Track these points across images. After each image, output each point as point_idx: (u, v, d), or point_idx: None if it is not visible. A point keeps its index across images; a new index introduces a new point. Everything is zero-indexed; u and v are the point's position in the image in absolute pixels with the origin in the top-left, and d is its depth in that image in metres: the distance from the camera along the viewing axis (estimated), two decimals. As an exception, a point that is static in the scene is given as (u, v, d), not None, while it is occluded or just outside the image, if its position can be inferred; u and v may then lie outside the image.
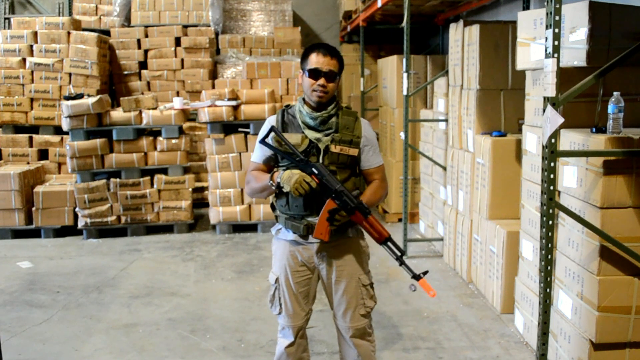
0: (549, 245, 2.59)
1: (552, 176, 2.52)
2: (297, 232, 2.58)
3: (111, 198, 6.34)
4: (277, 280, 2.68)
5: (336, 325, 2.76)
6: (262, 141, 2.54)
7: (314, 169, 2.43)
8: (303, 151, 2.50)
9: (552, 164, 2.51)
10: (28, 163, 7.32)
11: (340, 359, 2.84)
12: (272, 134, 2.54)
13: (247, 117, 6.42)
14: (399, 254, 2.45)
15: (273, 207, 2.69)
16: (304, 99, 2.59)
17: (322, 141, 2.52)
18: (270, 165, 2.66)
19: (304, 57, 2.55)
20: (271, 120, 2.63)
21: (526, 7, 5.07)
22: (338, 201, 2.40)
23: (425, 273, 2.45)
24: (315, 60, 2.49)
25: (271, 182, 2.52)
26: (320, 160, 2.51)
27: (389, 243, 2.45)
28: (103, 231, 6.41)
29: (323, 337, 3.77)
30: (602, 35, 2.97)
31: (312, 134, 2.54)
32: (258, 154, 2.67)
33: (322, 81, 2.48)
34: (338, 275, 2.63)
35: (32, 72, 7.49)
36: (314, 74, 2.49)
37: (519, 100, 4.15)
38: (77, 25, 8.07)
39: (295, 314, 2.68)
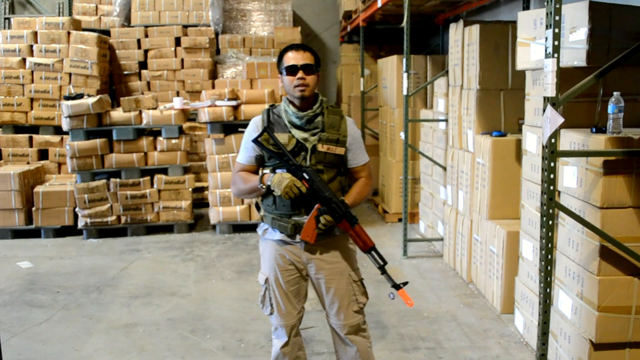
0: (549, 245, 2.59)
1: (552, 176, 2.52)
2: (284, 232, 2.59)
3: (111, 198, 6.34)
4: (266, 280, 2.69)
5: (330, 325, 2.76)
6: (255, 140, 2.55)
7: (305, 174, 2.45)
8: (291, 151, 2.51)
9: (552, 164, 2.51)
10: (28, 163, 7.32)
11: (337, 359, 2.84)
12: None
13: (247, 117, 6.41)
14: (381, 263, 2.50)
15: (258, 207, 2.70)
16: (288, 99, 2.60)
17: (309, 141, 2.54)
18: (256, 166, 2.67)
19: (280, 60, 2.58)
20: (256, 120, 2.64)
21: (526, 7, 5.07)
22: (326, 208, 2.44)
23: (405, 284, 2.50)
24: (290, 57, 2.53)
25: (261, 184, 2.53)
26: (308, 160, 2.52)
27: (373, 252, 2.50)
28: (103, 231, 6.41)
29: (323, 337, 3.77)
30: (602, 35, 2.97)
31: (299, 134, 2.55)
32: (244, 154, 2.68)
33: (300, 74, 2.50)
34: (328, 274, 2.64)
35: (32, 72, 7.49)
36: (291, 70, 2.51)
37: (519, 100, 4.15)
38: (77, 25, 8.07)
39: (287, 313, 2.69)
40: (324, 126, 2.56)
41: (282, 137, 2.53)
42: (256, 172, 2.66)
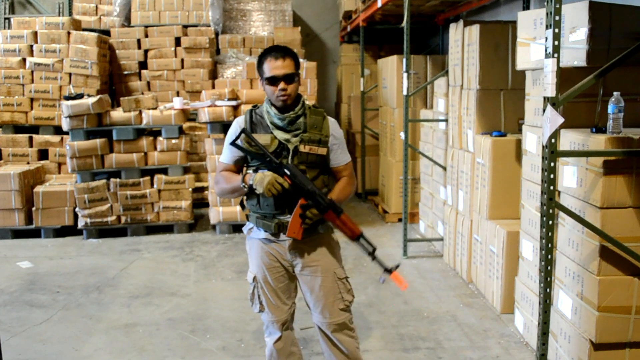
0: (549, 245, 2.59)
1: (552, 176, 2.52)
2: (268, 231, 2.62)
3: (111, 198, 6.34)
4: (254, 278, 2.71)
5: (317, 325, 2.76)
6: (233, 143, 2.56)
7: (286, 170, 2.46)
8: (273, 152, 2.52)
9: (552, 164, 2.51)
10: (28, 163, 7.32)
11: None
12: (243, 135, 2.57)
13: (247, 117, 6.41)
14: (371, 249, 2.47)
15: (242, 206, 2.72)
16: (270, 101, 2.61)
17: (291, 142, 2.56)
18: (239, 166, 2.69)
19: (259, 65, 2.57)
20: (239, 121, 2.66)
21: (526, 7, 5.07)
22: (310, 201, 2.45)
23: (397, 267, 2.46)
24: (270, 66, 2.51)
25: (243, 184, 2.54)
26: (290, 161, 2.54)
27: (361, 240, 2.48)
28: (103, 231, 6.41)
29: (323, 337, 3.76)
30: (602, 35, 2.97)
31: (281, 135, 2.56)
32: (227, 154, 2.69)
33: (282, 85, 2.50)
34: (313, 272, 2.65)
35: (32, 72, 7.48)
36: (272, 81, 2.51)
37: (519, 100, 4.15)
38: (77, 25, 8.07)
39: (278, 309, 2.70)
40: (306, 127, 2.58)
41: (264, 138, 2.55)
42: (239, 172, 2.68)
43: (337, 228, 2.54)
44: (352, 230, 2.47)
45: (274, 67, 2.50)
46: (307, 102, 2.65)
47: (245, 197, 2.68)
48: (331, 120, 2.67)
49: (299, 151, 2.55)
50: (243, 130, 2.54)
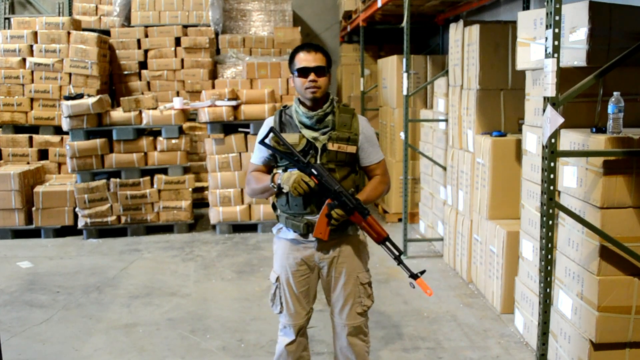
0: (549, 245, 2.59)
1: (552, 176, 2.52)
2: (297, 231, 2.60)
3: (111, 198, 6.34)
4: (277, 279, 2.70)
5: (332, 323, 2.76)
6: (262, 142, 2.56)
7: (313, 170, 2.45)
8: (301, 150, 2.52)
9: (552, 164, 2.51)
10: (28, 163, 7.32)
11: (335, 358, 2.84)
12: (271, 134, 2.56)
13: (247, 117, 6.43)
14: (397, 253, 2.47)
15: (274, 207, 2.72)
16: (299, 99, 2.61)
17: (319, 140, 2.54)
18: (269, 166, 2.69)
19: (291, 60, 2.59)
20: (269, 122, 2.65)
21: (526, 7, 5.07)
22: (337, 202, 2.44)
23: (422, 272, 2.46)
24: (302, 58, 2.53)
25: (272, 184, 2.54)
26: (318, 159, 2.53)
27: (387, 243, 2.47)
28: (103, 231, 6.41)
29: (323, 337, 3.77)
30: (602, 35, 2.97)
31: (309, 133, 2.56)
32: (257, 155, 2.69)
33: (312, 76, 2.50)
34: (337, 272, 2.65)
35: (32, 72, 7.49)
36: (303, 72, 2.52)
37: (519, 100, 4.15)
38: (77, 25, 8.07)
39: (296, 313, 2.69)
40: (334, 125, 2.56)
41: (292, 137, 2.55)
42: (269, 172, 2.67)
43: (363, 230, 2.53)
44: (379, 232, 2.46)
45: (305, 59, 2.52)
46: (336, 101, 2.64)
47: (275, 198, 2.67)
48: (361, 118, 2.65)
49: (327, 149, 2.53)
50: (271, 129, 2.54)
